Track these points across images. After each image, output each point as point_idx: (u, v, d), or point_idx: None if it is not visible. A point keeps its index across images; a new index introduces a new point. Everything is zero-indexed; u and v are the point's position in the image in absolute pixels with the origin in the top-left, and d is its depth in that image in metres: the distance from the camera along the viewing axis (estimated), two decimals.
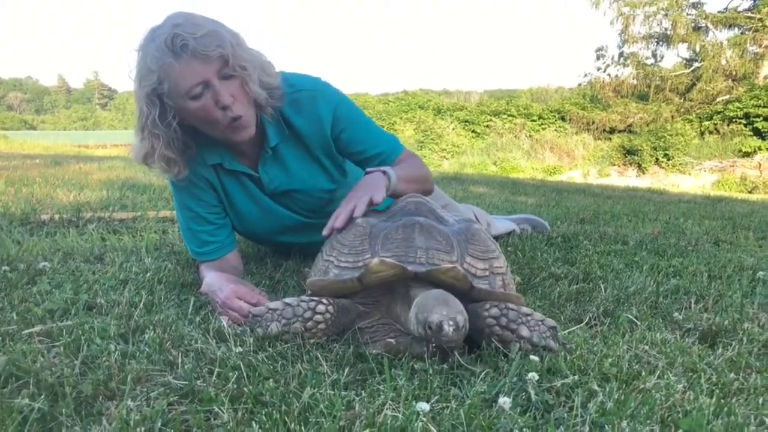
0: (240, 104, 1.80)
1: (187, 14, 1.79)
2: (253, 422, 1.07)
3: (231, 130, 1.84)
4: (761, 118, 20.69)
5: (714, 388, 1.29)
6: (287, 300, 1.51)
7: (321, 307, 1.48)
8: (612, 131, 24.24)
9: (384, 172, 1.88)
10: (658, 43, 25.41)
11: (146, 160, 1.90)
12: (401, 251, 1.50)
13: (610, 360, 1.39)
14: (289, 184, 2.12)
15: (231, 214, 2.19)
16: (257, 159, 2.07)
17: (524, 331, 1.41)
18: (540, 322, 1.44)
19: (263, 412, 1.10)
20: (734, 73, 23.13)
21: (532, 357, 1.36)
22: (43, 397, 1.13)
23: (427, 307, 1.33)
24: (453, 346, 1.33)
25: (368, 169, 1.93)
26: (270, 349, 1.40)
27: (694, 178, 20.68)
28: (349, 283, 1.51)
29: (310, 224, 2.28)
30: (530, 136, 25.31)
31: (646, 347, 1.53)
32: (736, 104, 21.48)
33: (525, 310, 1.45)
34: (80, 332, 1.46)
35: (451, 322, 1.27)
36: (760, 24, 22.61)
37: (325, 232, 1.73)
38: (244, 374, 1.26)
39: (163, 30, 1.72)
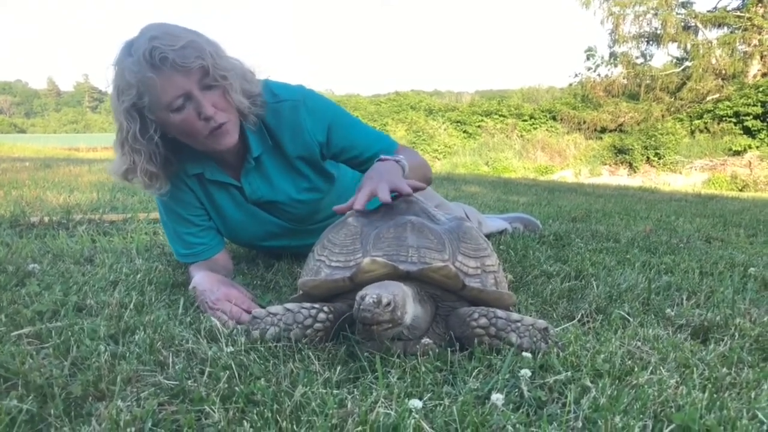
0: (222, 113, 1.78)
1: (163, 25, 1.75)
2: (245, 421, 1.06)
3: (212, 139, 1.81)
4: (751, 117, 20.80)
5: (706, 383, 1.29)
6: (288, 305, 1.49)
7: (322, 315, 1.46)
8: (603, 131, 24.31)
9: (397, 161, 1.84)
10: (648, 42, 25.51)
11: (127, 175, 1.87)
12: (393, 250, 1.50)
13: (602, 356, 1.39)
14: (272, 195, 2.10)
15: (217, 221, 2.17)
16: (240, 169, 2.04)
17: (514, 339, 1.40)
18: (530, 326, 1.43)
19: (255, 412, 1.09)
20: (724, 72, 23.24)
21: (524, 354, 1.37)
22: (31, 398, 1.12)
23: (366, 288, 1.34)
24: (369, 318, 1.27)
25: (382, 157, 1.88)
26: (261, 349, 1.39)
27: (685, 177, 20.77)
28: (340, 282, 1.50)
29: (298, 230, 2.26)
30: (522, 136, 25.35)
31: (639, 343, 1.53)
32: (726, 103, 21.58)
33: (514, 316, 1.43)
34: (70, 333, 1.44)
35: (374, 296, 1.27)
36: (749, 23, 22.74)
37: (336, 208, 1.69)
38: (236, 374, 1.26)
39: (140, 43, 1.67)
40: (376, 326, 1.29)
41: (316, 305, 1.48)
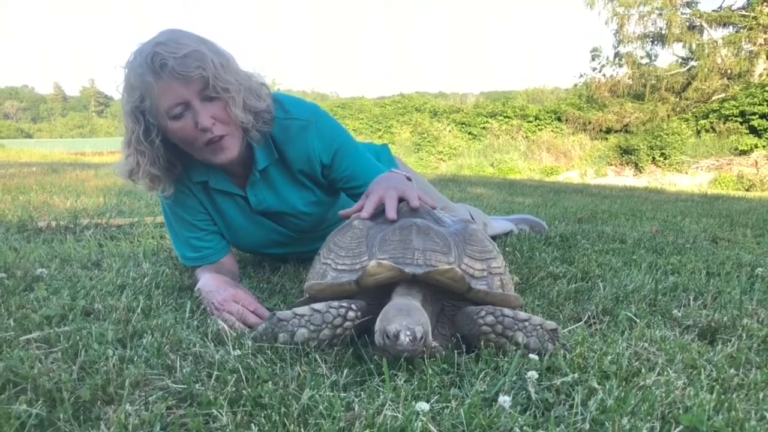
0: (222, 126, 1.78)
1: (175, 32, 1.75)
2: (253, 425, 1.07)
3: (210, 151, 1.81)
4: (757, 116, 20.73)
5: (714, 384, 1.29)
6: (315, 306, 1.46)
7: (351, 314, 1.44)
8: (608, 131, 24.26)
9: (408, 178, 1.85)
10: (653, 42, 25.48)
11: (131, 176, 1.88)
12: (398, 253, 1.50)
13: (609, 358, 1.39)
14: (279, 206, 2.10)
15: (222, 227, 2.17)
16: (246, 179, 2.04)
17: (520, 338, 1.40)
18: (539, 327, 1.42)
19: (262, 415, 1.10)
20: (729, 71, 23.19)
21: (531, 356, 1.36)
22: (41, 402, 1.13)
23: (387, 316, 1.32)
24: (409, 356, 1.29)
25: (393, 170, 1.90)
26: (268, 352, 1.39)
27: (691, 177, 20.72)
28: (346, 286, 1.50)
29: (302, 238, 2.27)
30: (527, 137, 25.34)
31: (646, 344, 1.53)
32: (732, 102, 21.52)
33: (522, 315, 1.43)
34: (78, 338, 1.45)
35: (408, 332, 1.25)
36: (755, 22, 22.68)
37: (342, 213, 1.74)
38: (243, 377, 1.26)
39: (146, 47, 1.70)
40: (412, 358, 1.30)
41: (344, 303, 1.46)
